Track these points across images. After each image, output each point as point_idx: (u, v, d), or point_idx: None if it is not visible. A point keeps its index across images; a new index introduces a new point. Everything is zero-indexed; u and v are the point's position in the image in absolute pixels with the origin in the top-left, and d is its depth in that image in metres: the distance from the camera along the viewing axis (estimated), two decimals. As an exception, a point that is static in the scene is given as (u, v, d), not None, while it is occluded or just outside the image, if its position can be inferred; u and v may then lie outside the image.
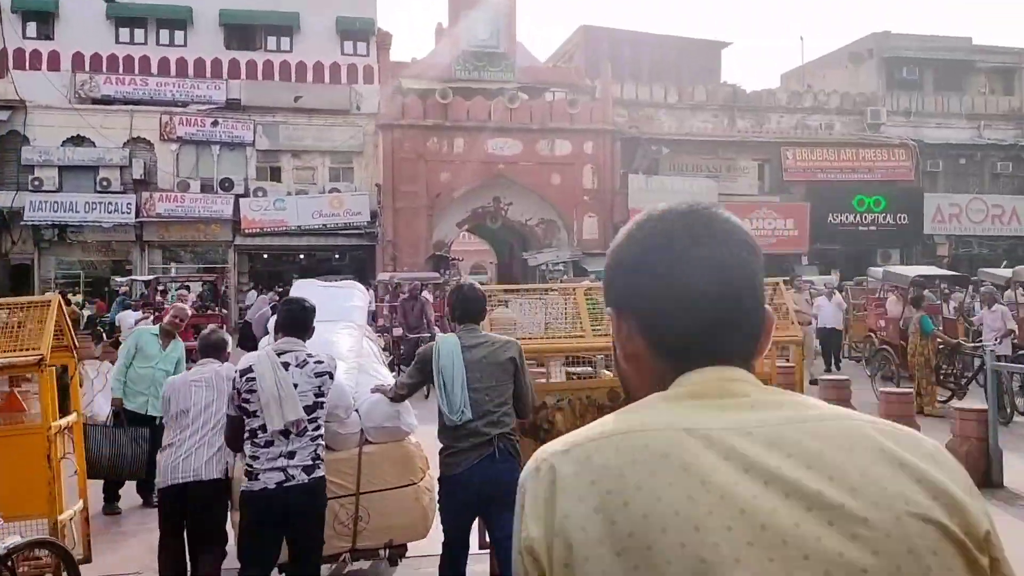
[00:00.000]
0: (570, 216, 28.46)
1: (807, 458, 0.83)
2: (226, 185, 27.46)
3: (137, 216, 26.63)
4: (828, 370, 15.52)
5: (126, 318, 15.28)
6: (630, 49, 32.56)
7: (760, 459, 0.82)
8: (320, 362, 4.15)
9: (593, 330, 5.47)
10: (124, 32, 28.23)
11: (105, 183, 26.69)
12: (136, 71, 27.73)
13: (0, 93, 26.34)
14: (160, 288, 20.60)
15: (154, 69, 27.84)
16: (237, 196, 27.33)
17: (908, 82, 34.10)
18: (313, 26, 29.02)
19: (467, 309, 4.40)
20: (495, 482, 3.99)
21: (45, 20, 27.47)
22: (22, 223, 26.01)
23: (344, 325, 5.70)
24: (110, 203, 26.51)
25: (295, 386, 4.00)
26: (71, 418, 5.40)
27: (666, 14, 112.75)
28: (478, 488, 4.04)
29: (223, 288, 25.95)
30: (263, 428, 3.95)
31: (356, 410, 4.96)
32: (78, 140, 26.97)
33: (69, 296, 24.11)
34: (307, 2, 28.79)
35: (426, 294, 16.61)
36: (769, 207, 29.55)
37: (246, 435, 4.01)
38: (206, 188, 27.53)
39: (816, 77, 37.18)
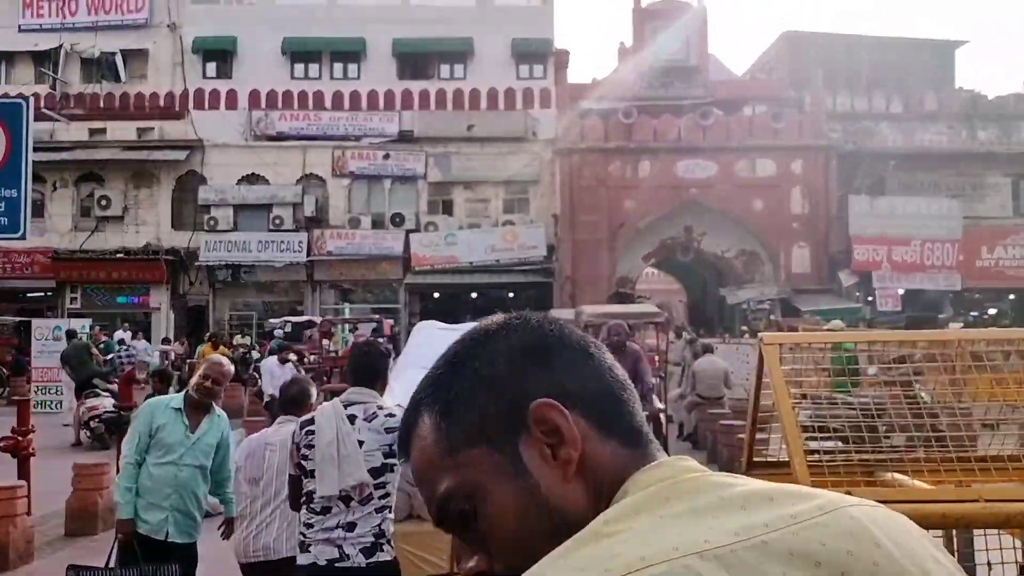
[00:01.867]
0: (776, 246, 24.59)
1: (838, 564, 0.66)
2: (397, 220, 25.94)
3: (308, 255, 25.63)
4: None
5: (268, 367, 13.34)
6: (842, 55, 28.34)
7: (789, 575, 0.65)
8: (391, 415, 3.48)
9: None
10: (299, 67, 27.67)
11: (278, 221, 25.92)
12: (310, 106, 26.98)
13: (181, 133, 26.35)
14: (318, 331, 18.97)
15: (328, 103, 26.97)
16: (408, 231, 25.74)
17: None
18: (487, 50, 27.23)
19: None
20: None
21: (224, 59, 27.39)
22: (198, 264, 25.66)
23: None
24: (282, 242, 25.69)
25: (360, 444, 3.41)
26: None
27: (883, 13, 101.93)
28: None
29: (396, 330, 24.39)
30: None
31: None
32: (253, 178, 26.47)
33: (236, 339, 23.23)
34: (481, 26, 27.08)
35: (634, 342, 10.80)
36: (1028, 231, 24.27)
37: (303, 498, 3.49)
38: (377, 224, 26.16)
39: (1073, 78, 31.12)
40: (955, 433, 3.01)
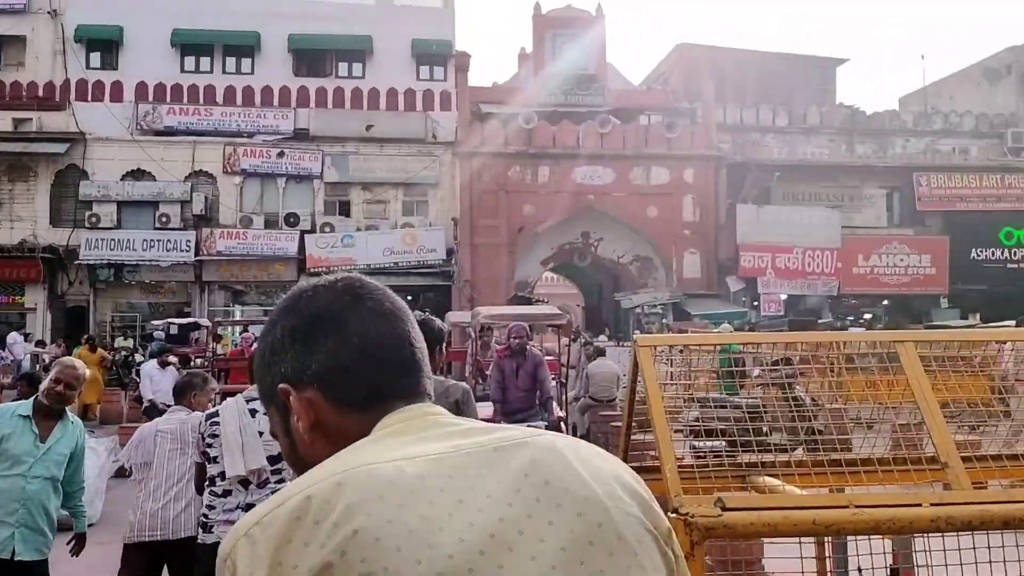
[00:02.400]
0: (668, 253, 25.27)
1: (524, 468, 0.87)
2: (291, 220, 25.34)
3: (196, 254, 24.72)
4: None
5: (147, 371, 12.78)
6: (733, 68, 29.39)
7: (483, 475, 0.85)
8: None
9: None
10: (189, 60, 26.72)
11: (164, 219, 24.91)
12: (201, 101, 26.04)
13: (61, 125, 25.00)
14: (207, 333, 18.33)
15: (219, 98, 26.11)
16: (303, 232, 25.17)
17: (1054, 100, 29.87)
18: (387, 50, 26.95)
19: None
20: None
21: (109, 49, 26.16)
22: (78, 262, 24.38)
23: None
24: (168, 241, 24.70)
25: (260, 434, 3.73)
26: None
27: (768, 29, 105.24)
28: None
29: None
30: (222, 476, 3.78)
31: None
32: (138, 174, 25.36)
33: (117, 341, 22.23)
34: (381, 25, 26.80)
35: (534, 346, 9.89)
36: (901, 241, 25.74)
37: (207, 483, 3.85)
38: (270, 224, 25.48)
39: (941, 99, 33.23)
40: (827, 437, 3.02)
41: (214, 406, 4.39)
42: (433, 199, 26.27)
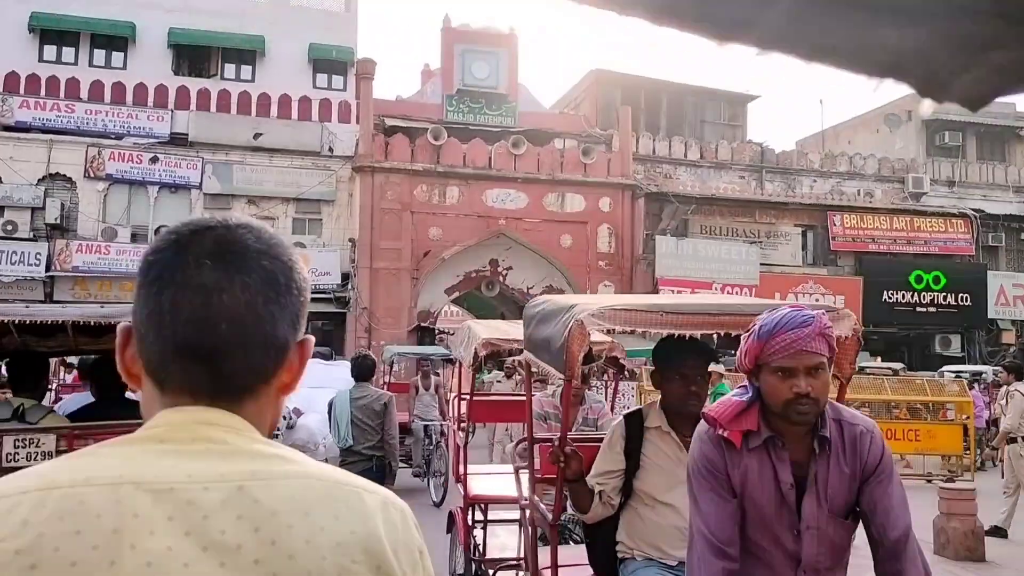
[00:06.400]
0: (582, 284, 23.64)
1: (258, 520, 0.79)
2: (163, 234, 22.25)
3: (47, 270, 21.27)
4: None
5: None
6: (646, 98, 28.42)
7: (208, 521, 0.78)
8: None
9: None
10: (50, 50, 23.40)
11: (10, 227, 21.37)
12: (62, 95, 22.78)
13: None
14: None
15: (84, 94, 22.91)
16: (176, 248, 22.11)
17: (950, 148, 30.45)
18: (281, 53, 24.48)
19: (360, 372, 6.55)
20: None
21: (-50, 28, 22.55)
22: None
23: (330, 389, 7.48)
24: (14, 252, 21.16)
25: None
26: None
27: (676, 62, 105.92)
28: None
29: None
30: None
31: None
32: (-21, 174, 21.76)
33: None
34: (275, 25, 24.35)
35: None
36: (816, 280, 25.08)
37: None
38: (138, 238, 22.30)
39: (839, 143, 33.47)
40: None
41: None
42: (328, 217, 23.78)
